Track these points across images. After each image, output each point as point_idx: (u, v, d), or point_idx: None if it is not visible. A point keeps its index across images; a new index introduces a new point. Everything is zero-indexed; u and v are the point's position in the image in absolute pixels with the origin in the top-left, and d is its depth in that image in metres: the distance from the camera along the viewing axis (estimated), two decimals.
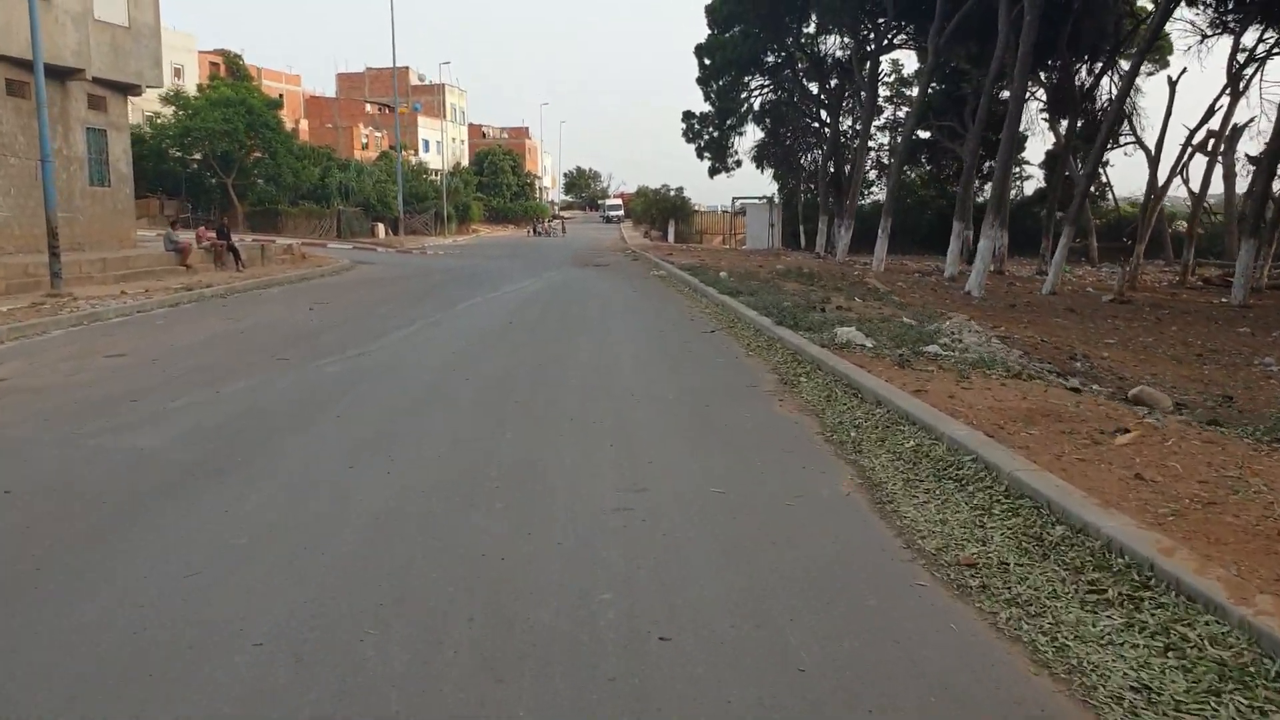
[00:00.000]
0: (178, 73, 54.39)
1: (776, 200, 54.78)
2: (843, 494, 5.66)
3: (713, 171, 52.16)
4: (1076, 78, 41.22)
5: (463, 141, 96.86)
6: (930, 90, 52.01)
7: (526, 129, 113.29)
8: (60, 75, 21.04)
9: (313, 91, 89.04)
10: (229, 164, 44.89)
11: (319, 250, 35.44)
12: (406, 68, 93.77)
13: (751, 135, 52.71)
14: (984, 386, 7.95)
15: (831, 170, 47.54)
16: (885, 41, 42.80)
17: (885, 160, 55.67)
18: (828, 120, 50.73)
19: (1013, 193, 56.11)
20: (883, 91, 47.80)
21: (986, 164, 50.81)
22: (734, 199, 58.19)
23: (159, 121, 43.41)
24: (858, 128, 52.70)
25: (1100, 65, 41.50)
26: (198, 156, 44.87)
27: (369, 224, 53.53)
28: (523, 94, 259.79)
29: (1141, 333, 17.84)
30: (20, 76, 19.56)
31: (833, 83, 47.93)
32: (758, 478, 5.97)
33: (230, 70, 60.05)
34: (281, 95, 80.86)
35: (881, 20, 41.58)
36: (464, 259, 36.06)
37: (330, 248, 38.79)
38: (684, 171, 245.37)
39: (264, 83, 75.03)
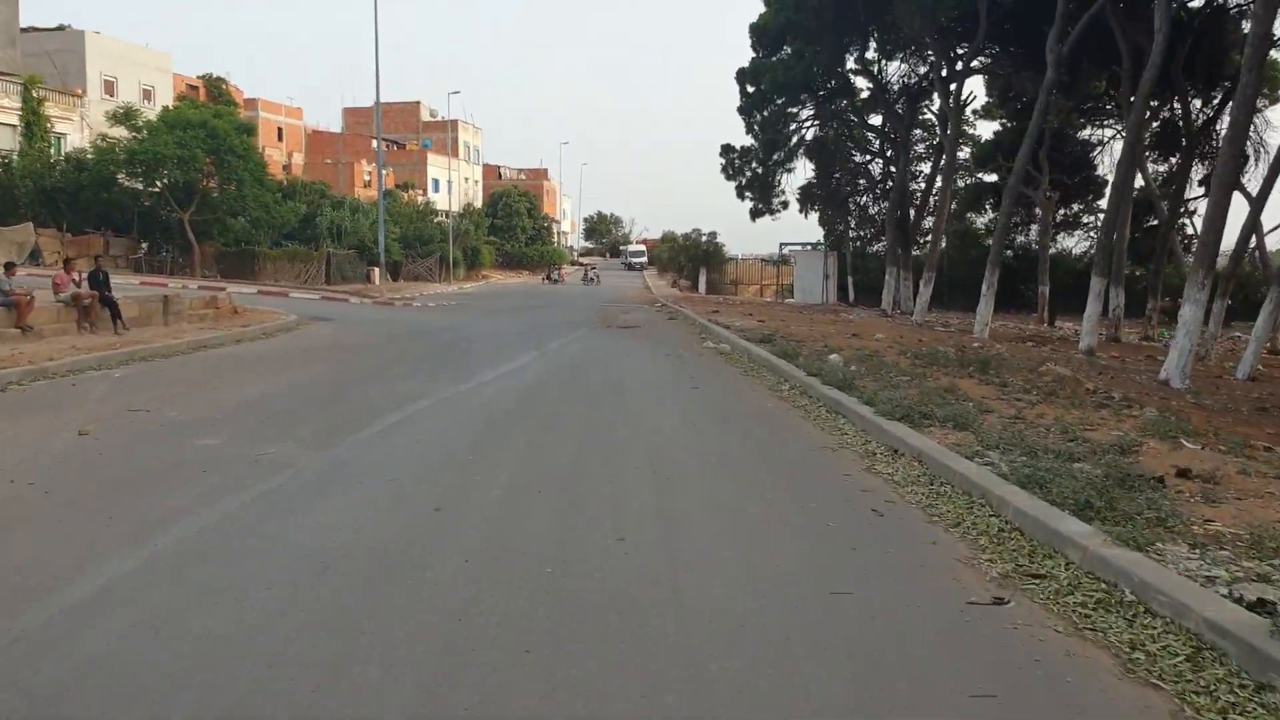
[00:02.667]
0: (147, 94, 47.68)
1: (822, 247, 47.59)
2: None
3: (755, 213, 44.94)
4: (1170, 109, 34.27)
5: (477, 182, 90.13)
6: (1003, 126, 45.26)
7: (545, 170, 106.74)
8: None
9: (316, 126, 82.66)
10: (190, 196, 37.69)
11: (273, 301, 28.08)
12: (418, 102, 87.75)
13: (801, 172, 45.86)
14: None
15: (899, 214, 39.99)
16: (962, 65, 35.30)
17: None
18: (891, 156, 43.69)
19: (1086, 244, 49.15)
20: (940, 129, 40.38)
21: (1061, 211, 43.89)
22: (781, 244, 51.02)
23: (102, 144, 36.30)
24: (921, 169, 45.73)
25: (1219, 97, 34.05)
26: (157, 187, 37.63)
27: (363, 268, 46.65)
28: (542, 134, 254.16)
29: None
30: None
31: (899, 111, 40.72)
32: None
33: (210, 94, 53.57)
34: (280, 128, 74.79)
35: (964, 45, 34.23)
36: (455, 314, 28.56)
37: (292, 297, 31.48)
38: (711, 218, 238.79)
39: (261, 114, 69.08)
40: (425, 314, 28.73)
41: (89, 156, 37.00)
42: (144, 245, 40.33)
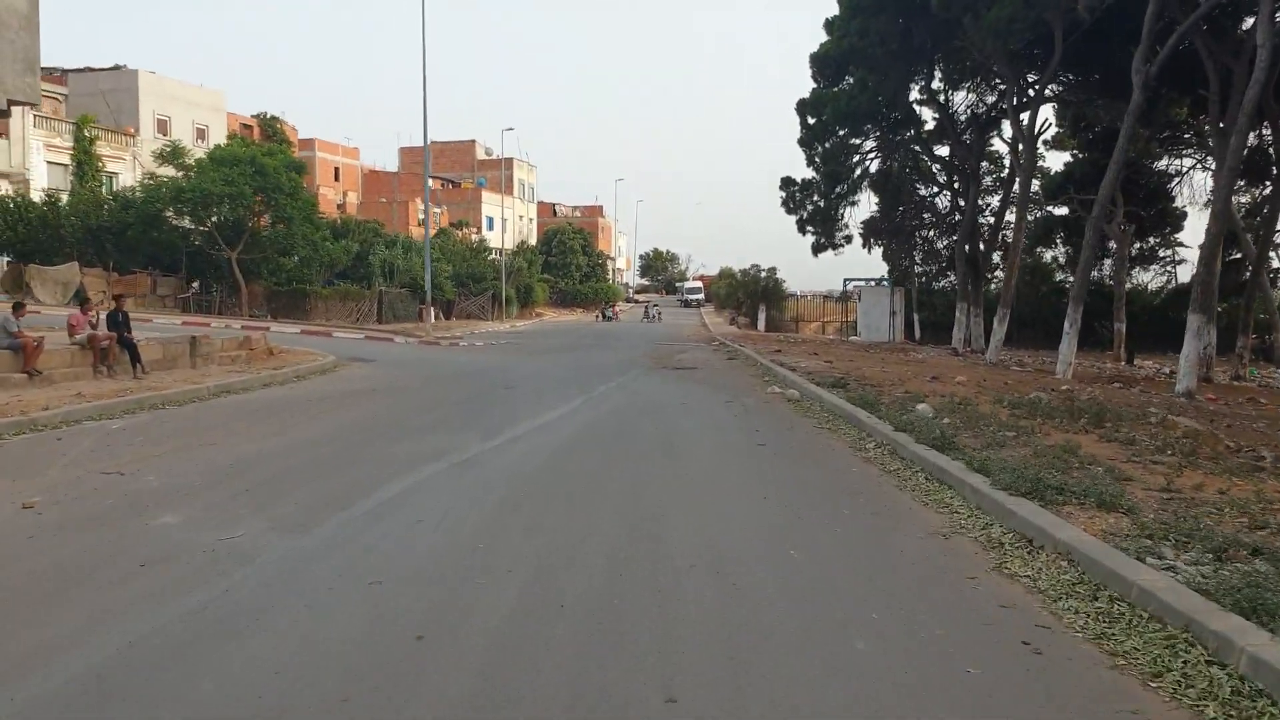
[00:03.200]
0: (201, 133, 47.65)
1: (887, 282, 45.82)
2: None
3: (817, 248, 43.11)
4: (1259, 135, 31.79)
5: (531, 219, 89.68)
6: (1074, 156, 42.98)
7: (600, 207, 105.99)
8: None
9: (373, 165, 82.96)
10: (239, 235, 37.08)
11: (314, 341, 27.00)
12: (473, 141, 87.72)
13: (865, 205, 44.15)
14: None
15: (968, 249, 37.97)
16: (1034, 93, 33.22)
17: (1007, 237, 46.60)
18: (959, 189, 41.70)
19: (1163, 279, 46.55)
20: (1010, 159, 38.27)
21: (1136, 245, 41.30)
22: (845, 280, 49.26)
23: (149, 182, 35.87)
24: (989, 202, 43.62)
25: None
26: (206, 226, 37.06)
27: (416, 306, 45.83)
28: (597, 171, 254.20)
29: None
30: None
31: (967, 141, 38.78)
32: None
33: (265, 133, 53.53)
34: (337, 168, 75.10)
35: (1035, 72, 32.23)
36: (502, 354, 27.19)
37: (335, 337, 30.40)
38: (770, 253, 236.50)
39: (318, 154, 69.56)
40: (471, 354, 27.41)
41: (137, 195, 36.62)
42: (194, 285, 39.83)
